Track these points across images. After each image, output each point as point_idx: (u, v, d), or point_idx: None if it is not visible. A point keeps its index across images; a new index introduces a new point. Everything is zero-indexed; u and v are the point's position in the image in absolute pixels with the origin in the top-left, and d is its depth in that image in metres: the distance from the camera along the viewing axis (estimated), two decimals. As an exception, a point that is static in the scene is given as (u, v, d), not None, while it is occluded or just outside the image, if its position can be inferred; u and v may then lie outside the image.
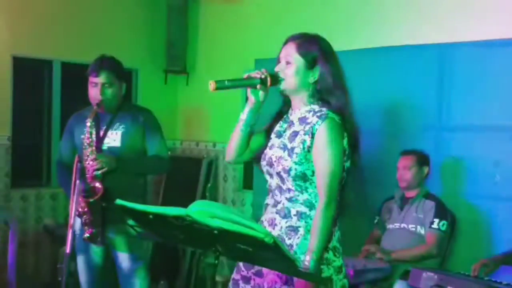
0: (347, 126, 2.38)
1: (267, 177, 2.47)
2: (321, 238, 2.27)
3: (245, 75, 2.36)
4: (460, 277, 3.21)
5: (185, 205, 1.88)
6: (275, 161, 2.39)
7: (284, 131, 2.45)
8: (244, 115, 2.45)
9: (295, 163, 2.32)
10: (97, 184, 3.35)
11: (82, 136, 3.40)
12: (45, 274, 5.53)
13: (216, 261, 1.95)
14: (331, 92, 2.39)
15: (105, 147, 3.46)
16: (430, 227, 3.78)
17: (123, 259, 3.50)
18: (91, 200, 3.31)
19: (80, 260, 3.58)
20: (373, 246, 3.89)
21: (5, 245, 4.00)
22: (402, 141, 4.26)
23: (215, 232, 1.81)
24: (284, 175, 2.35)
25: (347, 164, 2.39)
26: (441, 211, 3.82)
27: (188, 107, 6.27)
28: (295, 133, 2.39)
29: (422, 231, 3.82)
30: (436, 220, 3.78)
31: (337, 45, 4.63)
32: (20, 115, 5.55)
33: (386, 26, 4.46)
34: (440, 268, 3.73)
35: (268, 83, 2.35)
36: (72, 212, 3.10)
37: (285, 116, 2.52)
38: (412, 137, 4.26)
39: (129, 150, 3.47)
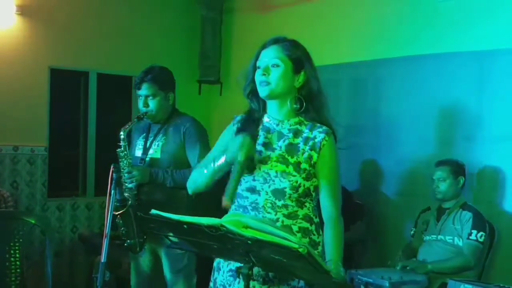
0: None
1: (248, 193, 2.27)
2: (341, 249, 2.23)
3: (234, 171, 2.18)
4: (500, 289, 3.13)
5: (217, 215, 1.87)
6: (275, 177, 2.23)
7: (272, 144, 2.29)
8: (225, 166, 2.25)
9: (304, 178, 2.23)
10: (127, 195, 3.36)
11: (118, 150, 3.42)
12: (80, 284, 5.58)
13: (250, 272, 1.94)
14: (315, 98, 2.29)
15: (148, 158, 3.48)
16: (468, 238, 3.71)
17: (166, 270, 3.51)
18: (116, 212, 3.31)
19: (132, 266, 3.64)
20: (409, 261, 3.81)
21: (41, 254, 4.05)
22: (440, 150, 4.20)
23: (249, 242, 1.79)
24: (289, 192, 2.21)
25: None
26: (479, 222, 3.74)
27: (222, 117, 6.25)
28: (293, 146, 2.26)
29: (460, 243, 3.74)
30: (474, 232, 3.70)
31: (373, 55, 4.68)
32: (57, 125, 5.63)
33: (424, 34, 4.41)
34: (479, 280, 3.65)
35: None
36: (107, 222, 3.12)
37: (261, 126, 2.34)
38: (451, 146, 4.20)
39: (168, 162, 3.44)
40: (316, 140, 2.25)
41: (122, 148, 3.37)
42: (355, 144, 4.59)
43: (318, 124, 2.28)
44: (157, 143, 3.49)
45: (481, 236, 3.69)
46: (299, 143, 2.27)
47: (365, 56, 4.79)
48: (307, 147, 2.25)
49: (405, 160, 4.52)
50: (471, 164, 3.96)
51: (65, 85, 5.75)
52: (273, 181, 2.23)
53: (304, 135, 2.28)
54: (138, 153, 3.54)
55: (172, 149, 3.46)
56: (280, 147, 2.28)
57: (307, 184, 2.24)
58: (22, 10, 5.23)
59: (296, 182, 2.22)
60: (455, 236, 3.77)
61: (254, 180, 2.27)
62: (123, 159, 3.37)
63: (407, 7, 4.54)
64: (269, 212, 2.24)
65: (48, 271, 3.74)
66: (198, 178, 2.38)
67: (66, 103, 5.82)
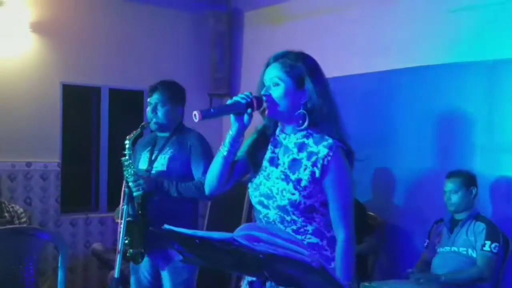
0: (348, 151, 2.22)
1: (259, 207, 2.28)
2: (348, 273, 2.13)
3: (229, 101, 2.20)
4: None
5: (230, 228, 1.87)
6: (277, 194, 2.20)
7: (279, 158, 2.27)
8: (227, 142, 2.25)
9: (304, 196, 2.16)
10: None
11: (122, 158, 3.43)
12: (94, 299, 5.59)
13: (263, 286, 1.93)
14: (321, 111, 2.21)
15: (153, 171, 3.50)
16: (481, 249, 3.68)
17: (166, 283, 3.50)
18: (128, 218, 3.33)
19: (132, 280, 3.63)
20: (422, 274, 3.78)
21: (55, 269, 4.05)
22: (452, 160, 4.19)
23: (261, 256, 1.78)
24: (291, 209, 2.18)
25: None
26: (493, 233, 3.71)
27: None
28: (297, 162, 2.21)
29: (474, 254, 3.71)
30: (488, 242, 3.67)
31: (384, 65, 4.68)
32: (70, 141, 5.67)
33: (433, 44, 4.41)
34: (494, 291, 3.62)
35: (254, 107, 2.17)
36: (120, 237, 3.14)
37: (272, 139, 2.33)
38: (462, 156, 4.18)
39: (174, 175, 3.46)
40: (319, 156, 2.17)
41: (127, 157, 3.40)
42: (367, 155, 4.59)
43: (326, 137, 2.20)
44: (163, 156, 3.50)
45: (495, 247, 3.66)
46: (302, 159, 2.20)
47: (375, 68, 4.79)
48: (310, 163, 2.18)
49: (417, 170, 4.51)
50: (483, 175, 3.93)
51: (77, 100, 5.79)
52: (275, 198, 2.21)
53: (309, 149, 2.20)
54: (143, 165, 3.55)
55: (178, 163, 3.48)
56: (284, 163, 2.24)
57: (309, 201, 2.17)
58: (35, 27, 5.29)
59: (296, 200, 2.17)
60: (469, 248, 3.74)
61: (261, 195, 2.26)
62: (128, 168, 3.39)
63: (416, 18, 4.55)
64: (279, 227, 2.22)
65: (61, 287, 3.75)
66: (214, 169, 2.33)
67: (79, 119, 5.86)
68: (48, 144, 5.46)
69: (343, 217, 2.18)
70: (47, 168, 5.45)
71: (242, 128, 2.22)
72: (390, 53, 4.71)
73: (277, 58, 2.26)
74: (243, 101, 2.16)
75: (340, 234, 2.18)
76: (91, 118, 5.91)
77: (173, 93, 3.56)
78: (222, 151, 2.26)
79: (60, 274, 3.66)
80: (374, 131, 4.80)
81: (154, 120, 3.50)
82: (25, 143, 5.33)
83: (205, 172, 3.34)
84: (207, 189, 2.38)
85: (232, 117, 2.21)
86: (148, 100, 3.55)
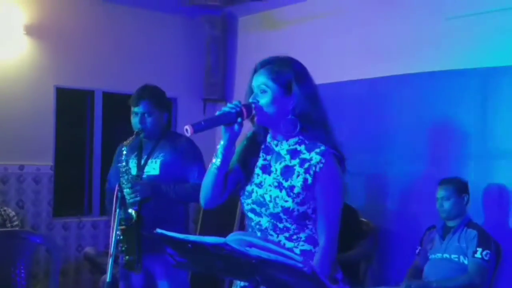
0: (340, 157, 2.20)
1: (251, 214, 2.28)
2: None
3: (219, 112, 2.16)
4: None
5: (223, 234, 1.87)
6: (270, 201, 2.19)
7: (271, 166, 2.26)
8: (219, 153, 2.22)
9: (297, 203, 2.16)
10: (131, 211, 3.37)
11: (119, 164, 3.43)
12: (85, 302, 5.57)
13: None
14: (310, 116, 2.19)
15: (145, 175, 3.50)
16: (473, 256, 3.69)
17: (163, 287, 3.50)
18: (123, 227, 3.32)
19: (121, 286, 3.60)
20: (413, 281, 3.79)
21: (47, 273, 4.05)
22: (444, 167, 4.20)
23: (253, 261, 1.79)
24: (284, 216, 2.18)
25: None
26: (484, 240, 3.72)
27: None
28: (289, 169, 2.20)
29: (466, 261, 3.72)
30: (479, 250, 3.68)
31: (377, 72, 4.70)
32: (63, 144, 5.66)
33: (427, 51, 4.43)
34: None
35: (244, 115, 2.16)
36: (112, 241, 3.13)
37: (263, 147, 2.32)
38: (455, 163, 4.20)
39: (167, 179, 3.46)
40: (311, 163, 2.16)
41: (124, 163, 3.39)
42: (360, 161, 4.60)
43: (319, 144, 2.19)
44: (154, 160, 3.50)
45: (486, 254, 3.67)
46: (295, 165, 2.20)
47: (368, 74, 4.80)
48: (302, 170, 2.17)
49: (410, 177, 4.52)
50: (475, 182, 3.95)
51: (70, 104, 5.78)
52: (268, 205, 2.20)
53: (302, 156, 2.19)
54: (132, 171, 3.54)
55: (171, 167, 3.48)
56: (276, 170, 2.23)
57: (302, 208, 2.17)
58: (29, 30, 5.29)
59: (289, 207, 2.16)
60: (461, 255, 3.75)
61: (253, 203, 2.26)
62: (124, 174, 3.37)
63: (410, 25, 4.57)
64: (271, 234, 2.22)
65: (53, 290, 3.74)
66: (208, 182, 2.31)
67: (72, 122, 5.86)
68: (41, 147, 5.45)
69: (327, 224, 2.18)
70: (39, 171, 5.44)
71: (233, 138, 2.21)
72: (384, 59, 4.73)
73: (264, 64, 2.24)
74: (233, 111, 2.15)
75: (321, 240, 2.18)
76: (85, 122, 5.90)
77: (159, 101, 3.54)
78: (216, 162, 2.25)
79: (52, 277, 3.66)
80: (367, 137, 4.81)
81: (143, 129, 3.49)
82: (18, 146, 5.31)
83: (199, 174, 3.41)
84: (202, 202, 2.36)
85: (222, 127, 2.19)
86: (134, 109, 3.51)
